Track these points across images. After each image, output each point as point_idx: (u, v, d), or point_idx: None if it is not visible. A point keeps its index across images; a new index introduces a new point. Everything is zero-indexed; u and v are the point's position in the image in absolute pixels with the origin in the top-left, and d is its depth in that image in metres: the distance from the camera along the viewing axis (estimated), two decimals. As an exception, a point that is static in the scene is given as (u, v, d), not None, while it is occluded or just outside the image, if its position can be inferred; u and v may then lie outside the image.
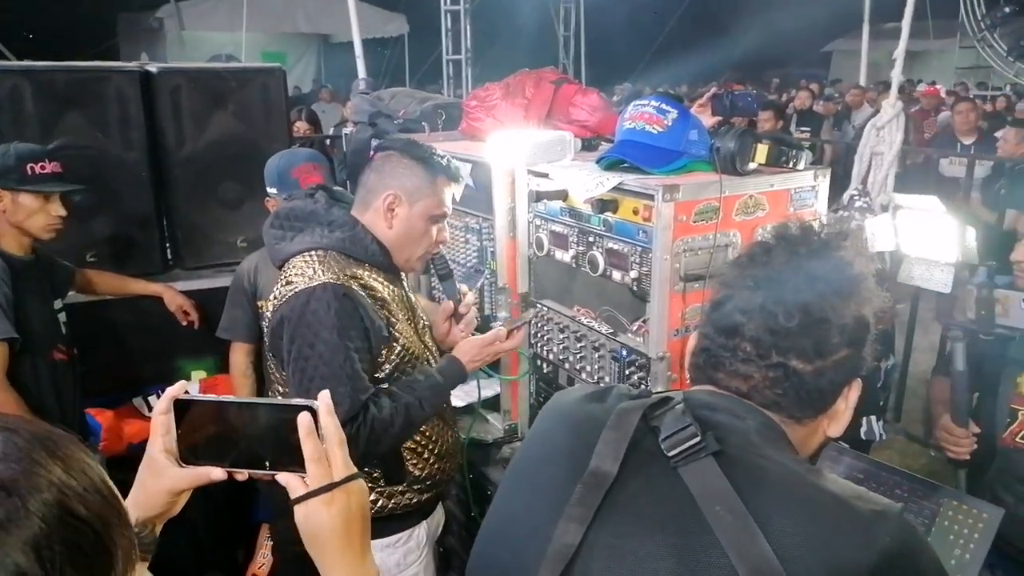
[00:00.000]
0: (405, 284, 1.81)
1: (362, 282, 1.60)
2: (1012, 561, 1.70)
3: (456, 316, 1.90)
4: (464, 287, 1.93)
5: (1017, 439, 1.73)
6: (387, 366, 1.65)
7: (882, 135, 2.55)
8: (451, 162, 1.73)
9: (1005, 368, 1.68)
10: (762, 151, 1.59)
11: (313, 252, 1.63)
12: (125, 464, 2.65)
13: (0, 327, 2.11)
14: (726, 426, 0.93)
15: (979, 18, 13.44)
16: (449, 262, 1.84)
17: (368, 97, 2.84)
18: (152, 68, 2.72)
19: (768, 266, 0.95)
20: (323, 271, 1.58)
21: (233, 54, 11.61)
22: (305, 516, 0.85)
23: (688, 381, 1.10)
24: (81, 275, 2.58)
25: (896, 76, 2.73)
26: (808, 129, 7.29)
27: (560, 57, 11.69)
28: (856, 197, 2.63)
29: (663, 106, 1.70)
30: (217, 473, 0.87)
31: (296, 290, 1.56)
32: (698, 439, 0.89)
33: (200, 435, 0.87)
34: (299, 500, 0.85)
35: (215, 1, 11.47)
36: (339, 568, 0.85)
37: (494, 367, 2.42)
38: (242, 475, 0.87)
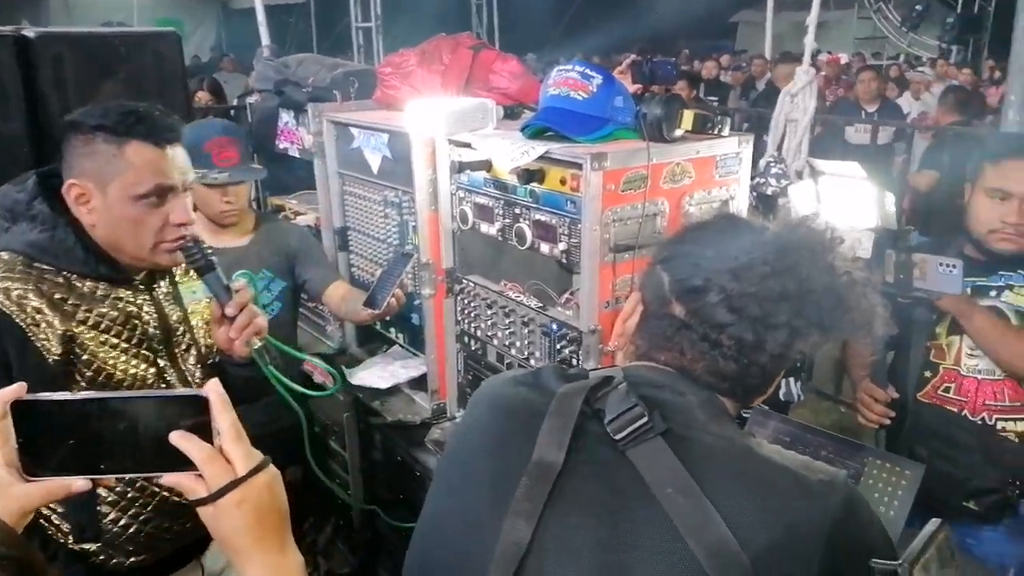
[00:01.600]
0: (155, 293, 1.47)
1: (36, 297, 1.31)
2: (931, 513, 1.78)
3: (225, 319, 1.42)
4: (239, 282, 1.47)
5: (939, 392, 1.80)
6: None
7: (796, 102, 2.59)
8: (146, 119, 1.32)
9: (923, 328, 1.74)
10: (688, 117, 1.57)
11: (3, 254, 1.35)
12: None
13: None
14: (670, 404, 0.91)
15: (874, -11, 14.09)
16: (205, 249, 1.40)
17: (273, 64, 2.67)
18: (29, 33, 2.46)
19: (789, 275, 0.91)
20: None
21: (124, 21, 10.88)
22: (214, 518, 0.76)
23: (623, 353, 1.07)
24: None
25: (809, 43, 2.77)
26: (716, 99, 7.46)
27: (473, 25, 11.53)
28: (772, 164, 2.68)
29: (587, 71, 1.65)
30: (79, 484, 0.76)
31: None
32: (645, 419, 0.86)
33: (51, 441, 0.75)
34: (202, 503, 0.76)
35: (101, -37, 10.66)
36: (258, 567, 0.77)
37: (415, 345, 2.35)
38: (110, 481, 0.77)
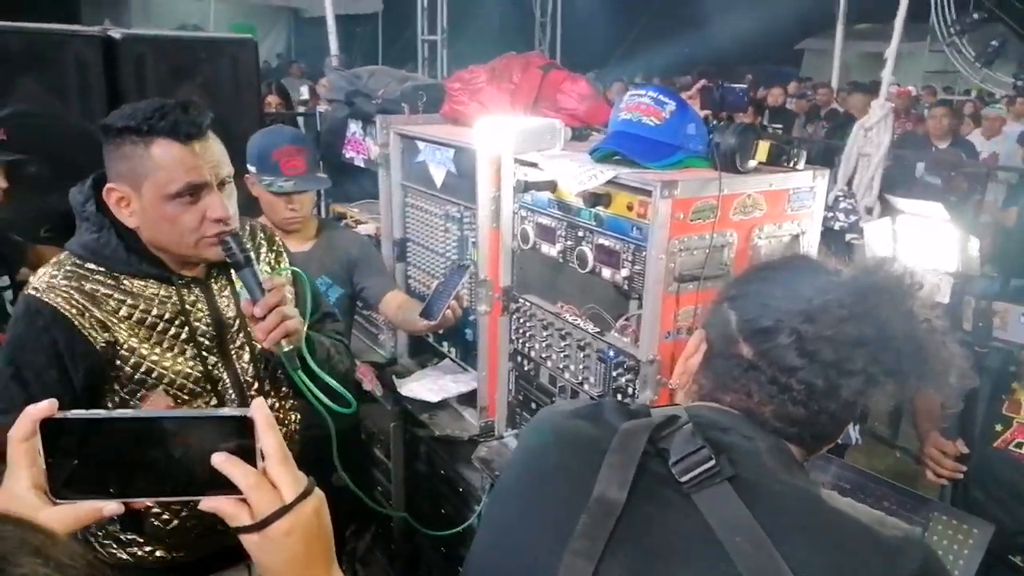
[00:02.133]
0: (209, 289, 1.47)
1: (83, 297, 1.34)
2: (1001, 568, 1.69)
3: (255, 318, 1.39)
4: (277, 279, 1.44)
5: (1011, 447, 1.72)
6: (117, 386, 1.38)
7: (870, 136, 2.52)
8: (168, 116, 1.30)
9: (997, 378, 1.66)
10: (763, 148, 1.54)
11: (62, 254, 1.40)
12: None
13: None
14: (737, 448, 0.87)
15: (949, 23, 13.67)
16: (244, 244, 1.39)
17: (345, 74, 2.71)
18: (115, 34, 2.57)
19: (866, 319, 0.86)
20: (41, 279, 1.36)
21: (200, 24, 11.27)
22: (259, 547, 0.72)
23: (682, 390, 1.04)
24: (34, 252, 2.42)
25: (887, 77, 2.70)
26: (780, 126, 7.33)
27: (536, 42, 11.60)
28: (841, 198, 2.61)
29: (661, 97, 1.63)
30: (110, 508, 0.70)
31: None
32: (712, 463, 0.83)
33: (82, 461, 0.70)
34: (246, 530, 0.72)
35: (182, -33, 11.08)
36: None
37: (467, 360, 2.35)
38: (143, 503, 0.72)
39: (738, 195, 1.54)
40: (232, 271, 1.44)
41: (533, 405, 2.00)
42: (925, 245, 1.62)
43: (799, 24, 16.56)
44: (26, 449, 0.69)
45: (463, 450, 2.20)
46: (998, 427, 1.73)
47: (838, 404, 0.90)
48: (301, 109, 7.01)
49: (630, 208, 1.56)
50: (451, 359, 2.46)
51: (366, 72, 2.67)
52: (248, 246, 1.42)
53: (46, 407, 0.69)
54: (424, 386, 2.37)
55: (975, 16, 13.60)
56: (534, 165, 1.80)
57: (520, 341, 2.02)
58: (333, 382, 1.48)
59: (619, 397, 1.67)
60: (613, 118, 1.71)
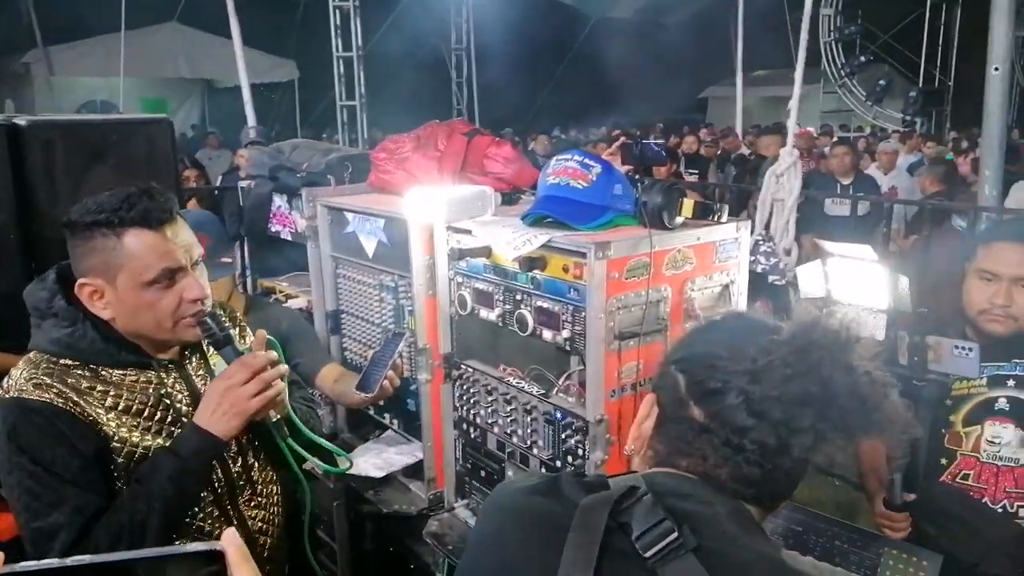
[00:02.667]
0: (186, 370, 1.48)
1: (71, 391, 1.33)
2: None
3: None
4: (271, 353, 1.45)
5: (957, 479, 1.77)
6: (122, 479, 1.37)
7: (782, 182, 2.65)
8: (137, 204, 1.31)
9: (936, 411, 1.73)
10: (688, 205, 1.59)
11: (31, 353, 1.39)
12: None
13: None
14: (698, 516, 0.87)
15: (839, 66, 14.75)
16: (221, 322, 1.42)
17: (267, 150, 2.68)
18: (20, 121, 2.46)
19: (810, 376, 0.88)
20: (18, 382, 1.34)
21: (108, 100, 11.03)
22: None
23: (640, 457, 1.04)
24: None
25: (791, 125, 2.86)
26: (696, 172, 7.64)
27: (453, 102, 11.84)
28: (760, 242, 2.72)
29: (586, 160, 1.67)
30: None
31: None
32: (675, 535, 0.83)
33: None
34: None
35: (88, 45, 10.87)
36: None
37: (410, 430, 2.30)
38: None
39: (668, 251, 1.58)
40: (211, 349, 1.45)
41: (482, 472, 1.96)
42: (857, 285, 1.69)
43: (701, 74, 17.52)
44: None
45: (413, 525, 2.13)
46: (943, 461, 1.78)
47: (791, 461, 0.91)
48: (218, 181, 6.91)
49: (566, 270, 1.58)
50: (394, 430, 2.40)
51: (288, 146, 2.65)
52: (226, 324, 1.43)
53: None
54: (368, 461, 2.30)
55: (862, 59, 14.74)
56: (467, 232, 1.81)
57: (464, 408, 1.99)
58: (324, 441, 1.52)
59: (569, 459, 1.66)
60: (541, 182, 1.74)
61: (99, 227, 1.32)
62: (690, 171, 7.45)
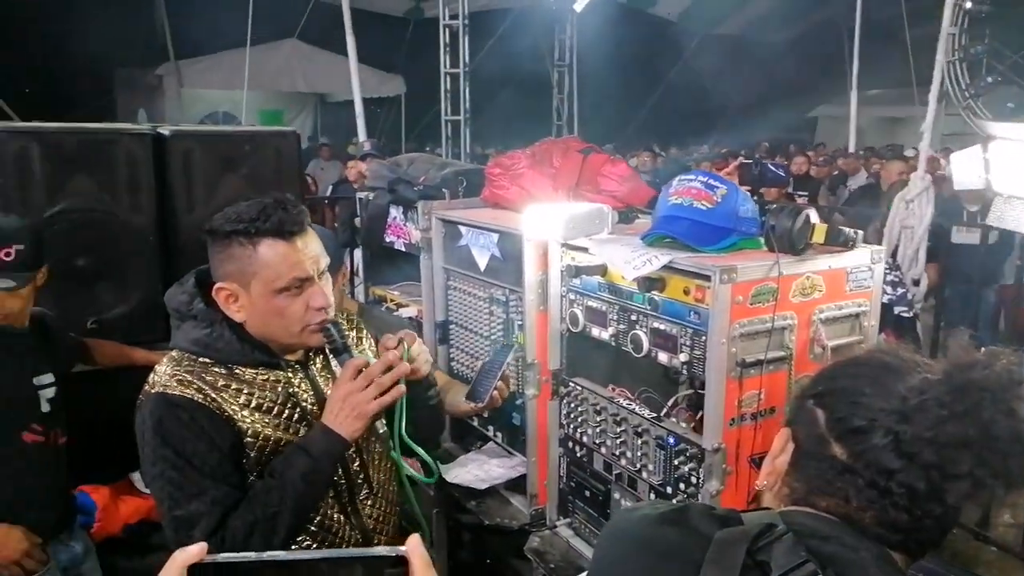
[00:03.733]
0: (310, 371, 1.55)
1: (209, 388, 1.42)
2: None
3: None
4: (395, 353, 1.52)
5: None
6: (253, 471, 1.46)
7: (911, 208, 2.51)
8: (272, 216, 1.39)
9: None
10: (820, 231, 1.53)
11: (173, 352, 1.50)
12: (120, 547, 2.47)
13: None
14: (842, 559, 0.83)
15: (963, 87, 13.88)
16: (342, 331, 1.51)
17: (386, 163, 2.78)
18: (164, 131, 2.65)
19: (969, 418, 0.82)
20: (162, 378, 1.43)
21: (230, 111, 11.73)
22: None
23: (772, 494, 1.00)
24: (92, 346, 2.44)
25: (924, 149, 2.71)
26: (806, 193, 7.35)
27: (554, 118, 11.90)
28: (887, 271, 2.58)
29: (711, 182, 1.64)
30: None
31: (139, 400, 1.45)
32: None
33: None
34: None
35: (215, 59, 11.60)
36: None
37: (514, 444, 2.31)
38: None
39: (797, 277, 1.52)
40: (332, 356, 1.53)
41: (587, 492, 1.94)
42: (1021, 171, 1.49)
43: (811, 92, 16.88)
44: None
45: (512, 540, 2.13)
46: None
47: (943, 508, 0.85)
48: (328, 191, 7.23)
49: (687, 292, 1.55)
50: (496, 443, 2.42)
51: (406, 160, 2.73)
52: (347, 332, 1.53)
53: (196, 552, 0.67)
54: (470, 472, 2.32)
55: (988, 80, 13.81)
56: (583, 250, 1.81)
57: (571, 426, 1.98)
58: (419, 449, 1.59)
59: (681, 486, 1.62)
60: (662, 202, 1.72)
61: (237, 236, 1.41)
62: (799, 193, 7.18)
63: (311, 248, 1.45)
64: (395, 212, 2.64)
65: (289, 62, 12.33)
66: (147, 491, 2.00)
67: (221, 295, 1.45)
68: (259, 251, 1.40)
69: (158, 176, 2.62)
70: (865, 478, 0.87)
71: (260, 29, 9.63)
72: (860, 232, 1.58)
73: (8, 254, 2.00)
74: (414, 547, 0.67)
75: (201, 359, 1.46)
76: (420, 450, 1.60)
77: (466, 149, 8.89)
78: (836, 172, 8.88)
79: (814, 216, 1.52)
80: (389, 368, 1.46)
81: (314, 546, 1.51)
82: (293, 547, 1.47)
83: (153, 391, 1.43)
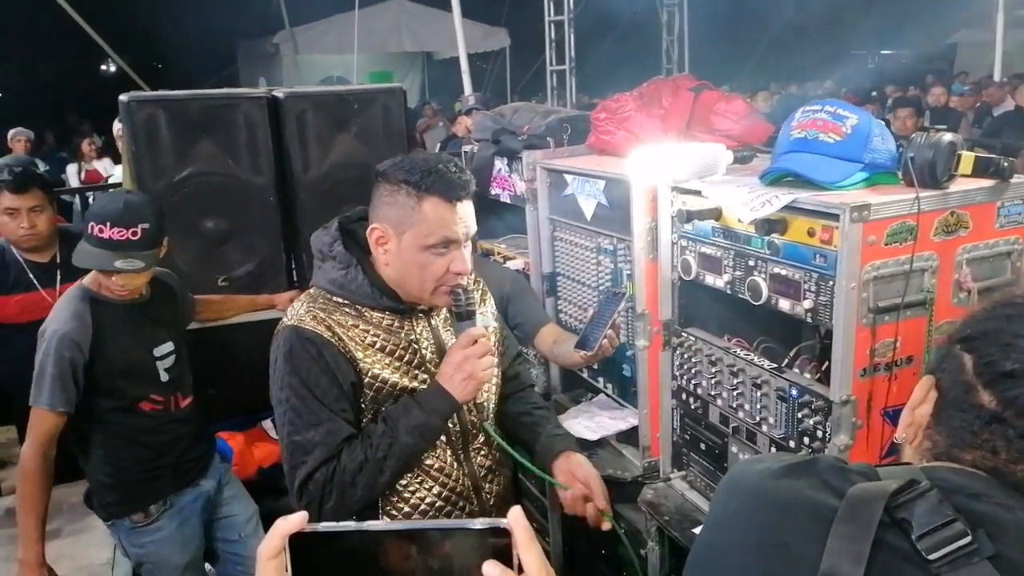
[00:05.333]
0: (432, 321, 1.61)
1: (338, 327, 1.49)
2: None
3: None
4: (484, 327, 1.62)
5: None
6: (367, 415, 1.53)
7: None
8: (444, 176, 1.45)
9: None
10: (967, 160, 1.37)
11: (311, 289, 1.59)
12: (255, 488, 2.65)
13: (49, 397, 2.07)
14: (994, 519, 0.74)
15: None
16: (470, 298, 1.55)
17: (489, 114, 2.75)
18: (279, 94, 2.74)
19: None
20: (299, 312, 1.53)
21: (343, 75, 12.05)
22: None
23: (912, 448, 0.91)
24: (199, 304, 2.56)
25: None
26: (945, 127, 6.68)
27: (663, 63, 11.42)
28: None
29: (839, 111, 1.49)
30: None
31: (276, 330, 1.55)
32: (969, 539, 0.71)
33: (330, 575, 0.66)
34: None
35: (325, 25, 11.92)
36: None
37: (625, 396, 2.27)
38: None
39: (939, 213, 1.37)
40: (456, 320, 1.57)
41: (702, 445, 1.88)
42: None
43: (949, 16, 15.30)
44: (275, 566, 0.66)
45: (626, 491, 2.11)
46: None
47: None
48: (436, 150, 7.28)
49: (811, 234, 1.43)
50: (607, 395, 2.38)
51: (510, 110, 2.69)
52: (474, 299, 1.56)
53: (297, 521, 0.66)
54: (581, 423, 2.30)
55: None
56: (696, 193, 1.71)
57: (684, 377, 1.91)
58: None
59: (806, 440, 1.53)
60: (783, 137, 1.59)
61: (407, 185, 1.46)
62: (937, 127, 6.55)
63: (467, 214, 1.50)
64: (499, 164, 2.61)
65: (396, 22, 12.46)
66: (277, 437, 2.13)
67: (374, 234, 1.51)
68: (422, 205, 1.45)
69: (275, 138, 2.72)
70: (1016, 428, 0.77)
71: (367, -10, 9.77)
72: (1014, 160, 1.40)
73: (136, 233, 2.06)
74: (516, 518, 0.65)
75: (335, 298, 1.54)
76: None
77: (572, 99, 8.73)
78: (980, 104, 8.04)
79: (960, 144, 1.36)
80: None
81: (427, 485, 1.58)
82: (405, 483, 1.56)
83: (289, 323, 1.52)
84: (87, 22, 7.37)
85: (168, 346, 2.29)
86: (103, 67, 15.50)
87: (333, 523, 0.65)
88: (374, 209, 1.52)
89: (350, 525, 0.64)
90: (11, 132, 7.51)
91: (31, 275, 2.94)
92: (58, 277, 2.95)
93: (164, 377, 2.27)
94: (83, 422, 2.18)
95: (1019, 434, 0.77)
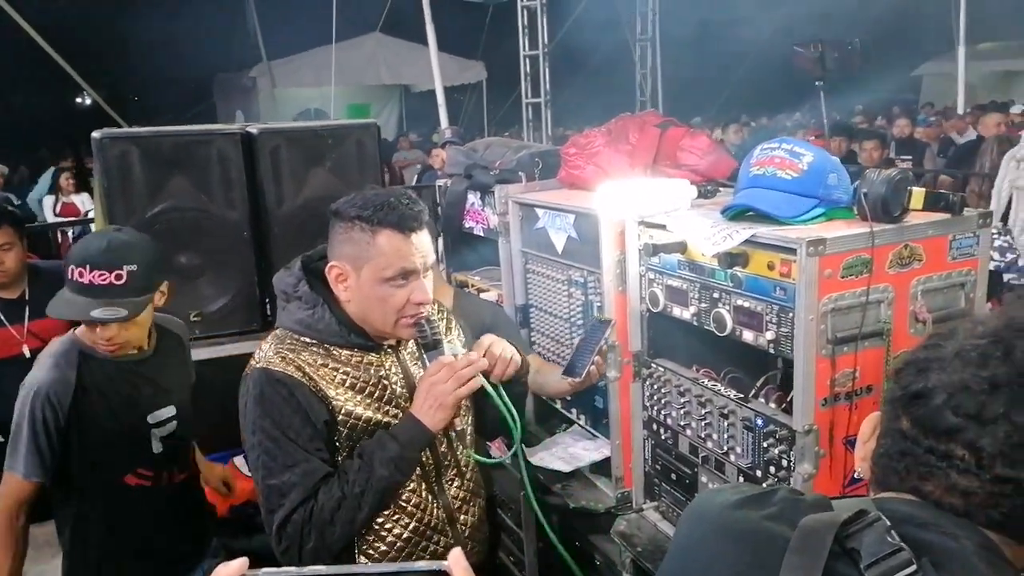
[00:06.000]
0: (401, 355, 1.62)
1: (308, 366, 1.50)
2: None
3: None
4: (453, 354, 1.59)
5: None
6: (343, 453, 1.53)
7: (1023, 167, 2.29)
8: (396, 209, 1.47)
9: None
10: (918, 195, 1.42)
11: (277, 330, 1.59)
12: (228, 527, 2.58)
13: (24, 464, 1.82)
14: (939, 548, 0.76)
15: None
16: (434, 328, 1.57)
17: (462, 149, 2.79)
18: (253, 130, 2.76)
19: (1008, 365, 0.77)
20: (266, 354, 1.53)
21: (321, 108, 12.12)
22: None
23: (868, 477, 0.94)
24: None
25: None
26: (910, 158, 6.89)
27: (637, 95, 11.64)
28: (995, 236, 2.38)
29: (795, 149, 1.55)
30: None
31: (244, 374, 1.54)
32: (913, 568, 0.73)
33: None
34: None
35: (303, 59, 12.01)
36: None
37: (597, 427, 2.29)
38: None
39: (893, 246, 1.42)
40: (423, 351, 1.58)
41: (673, 476, 1.90)
42: None
43: (914, 49, 15.79)
44: None
45: (599, 522, 2.11)
46: None
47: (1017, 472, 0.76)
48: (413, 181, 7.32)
49: (771, 267, 1.47)
50: (580, 426, 2.40)
51: (482, 144, 2.73)
52: (438, 328, 1.58)
53: (237, 567, 0.67)
54: (555, 455, 2.31)
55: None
56: (662, 227, 1.75)
57: (655, 408, 1.93)
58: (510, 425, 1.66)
59: (772, 469, 1.55)
60: (743, 173, 1.64)
61: (360, 221, 1.47)
62: (903, 157, 6.74)
63: (423, 245, 1.52)
64: (473, 198, 2.65)
65: (373, 55, 12.62)
66: (253, 480, 2.03)
67: (333, 272, 1.52)
68: (377, 239, 1.47)
69: (249, 173, 2.74)
70: (923, 445, 0.80)
71: (344, 25, 9.88)
72: (963, 195, 1.45)
73: (120, 276, 1.78)
74: (456, 559, 0.66)
75: (302, 338, 1.54)
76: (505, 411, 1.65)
77: (548, 131, 8.85)
78: (943, 135, 8.27)
79: (910, 179, 1.41)
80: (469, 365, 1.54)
81: (402, 521, 1.57)
82: (381, 520, 1.55)
83: (257, 365, 1.52)
84: (62, 55, 7.37)
85: (168, 411, 2.00)
86: (78, 100, 15.46)
87: (274, 568, 0.66)
88: (331, 248, 1.53)
89: (291, 571, 0.65)
90: (-18, 167, 7.45)
91: (-1, 311, 2.90)
92: (26, 313, 2.92)
93: (157, 447, 1.97)
94: (56, 490, 1.92)
95: (925, 450, 0.80)
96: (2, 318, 2.91)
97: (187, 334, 2.23)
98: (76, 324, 1.98)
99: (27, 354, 2.91)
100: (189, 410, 2.08)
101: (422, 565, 0.66)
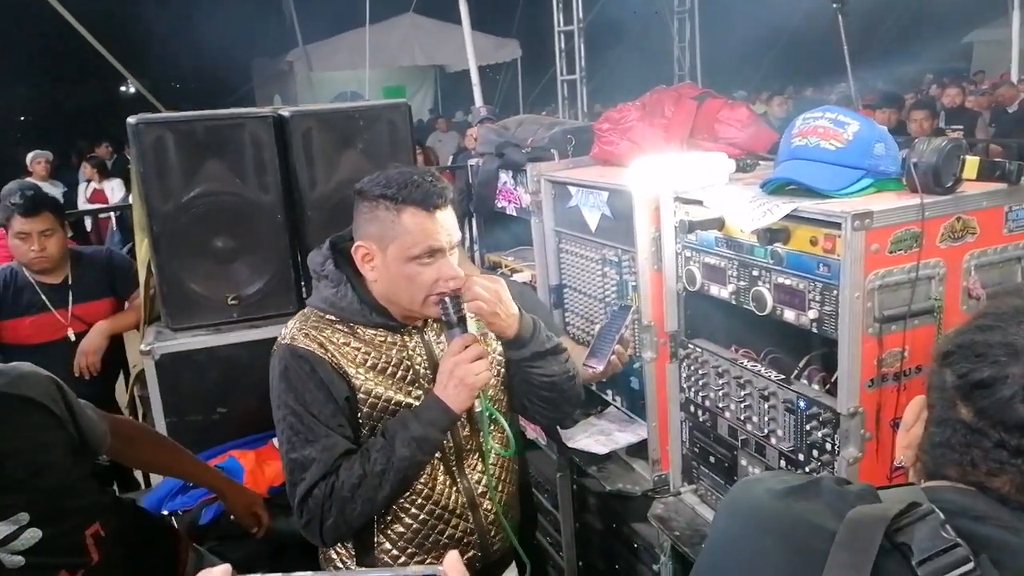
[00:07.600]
0: (426, 336, 1.60)
1: (330, 344, 1.50)
2: None
3: None
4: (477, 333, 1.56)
5: None
6: (365, 430, 1.53)
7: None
8: (420, 187, 1.46)
9: None
10: (971, 164, 1.33)
11: (306, 308, 1.61)
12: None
13: None
14: (998, 543, 0.71)
15: None
16: (461, 306, 1.53)
17: (494, 127, 2.74)
18: (285, 112, 2.74)
19: None
20: (292, 331, 1.54)
21: (357, 91, 12.15)
22: None
23: (914, 470, 0.88)
24: (119, 437, 1.71)
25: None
26: (961, 127, 6.61)
27: (675, 70, 11.39)
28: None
29: (840, 117, 1.47)
30: None
31: (272, 350, 1.56)
32: (971, 565, 0.68)
33: None
34: None
35: (337, 42, 12.02)
36: None
37: (634, 409, 2.25)
38: None
39: (945, 219, 1.34)
40: (445, 328, 1.55)
41: (711, 458, 1.85)
42: None
43: (964, 16, 15.13)
44: None
45: (636, 505, 2.08)
46: None
47: None
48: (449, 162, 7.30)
49: (814, 242, 1.40)
50: (617, 407, 2.36)
51: (514, 122, 2.68)
52: (463, 307, 1.54)
53: (220, 572, 0.67)
54: (591, 437, 2.28)
55: None
56: (698, 203, 1.69)
57: (692, 390, 1.88)
58: (503, 421, 1.63)
59: (815, 453, 1.50)
60: (784, 145, 1.57)
61: (384, 199, 1.47)
62: (953, 127, 6.47)
63: (449, 223, 1.50)
64: (505, 177, 2.61)
65: (407, 37, 12.55)
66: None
67: (359, 252, 1.52)
68: (402, 217, 1.46)
69: (281, 156, 2.73)
70: (991, 438, 0.75)
71: (378, 7, 9.85)
72: (1020, 163, 1.36)
73: None
74: (452, 563, 0.64)
75: (327, 316, 1.55)
76: (503, 421, 1.63)
77: (584, 109, 8.73)
78: (995, 103, 7.91)
79: (963, 148, 1.33)
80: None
81: (418, 503, 1.57)
82: (400, 501, 1.54)
83: (283, 342, 1.54)
84: (106, 45, 7.50)
85: (12, 522, 1.36)
86: (123, 88, 15.79)
87: (260, 575, 0.65)
88: (357, 227, 1.53)
89: None
90: (31, 154, 7.66)
91: (43, 297, 2.97)
92: (70, 298, 2.98)
93: (14, 562, 1.37)
94: None
95: (995, 444, 0.75)
96: (47, 302, 2.97)
97: (55, 394, 1.49)
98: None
99: (72, 337, 2.98)
100: (65, 498, 1.45)
101: (417, 569, 0.64)
